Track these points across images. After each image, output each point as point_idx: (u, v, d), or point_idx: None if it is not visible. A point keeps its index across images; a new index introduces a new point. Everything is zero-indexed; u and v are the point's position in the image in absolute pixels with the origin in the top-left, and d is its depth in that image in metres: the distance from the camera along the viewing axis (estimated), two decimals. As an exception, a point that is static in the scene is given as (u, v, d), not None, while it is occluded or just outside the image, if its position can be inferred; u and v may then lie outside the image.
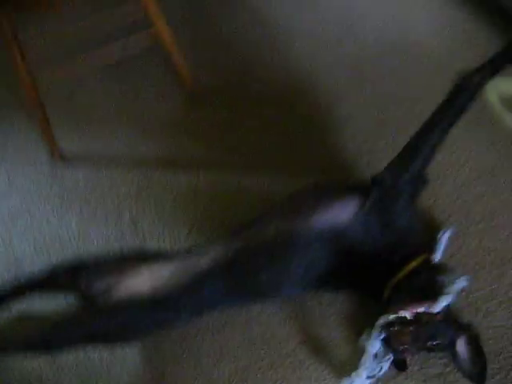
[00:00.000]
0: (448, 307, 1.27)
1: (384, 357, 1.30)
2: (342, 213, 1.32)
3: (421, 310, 1.23)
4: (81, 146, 1.74)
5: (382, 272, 1.34)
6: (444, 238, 1.46)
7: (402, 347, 1.25)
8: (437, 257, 1.43)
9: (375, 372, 1.30)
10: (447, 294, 1.25)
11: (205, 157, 1.70)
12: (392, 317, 1.24)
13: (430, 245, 1.44)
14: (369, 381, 1.29)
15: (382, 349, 1.30)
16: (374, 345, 1.28)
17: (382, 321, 1.27)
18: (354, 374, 1.28)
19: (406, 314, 1.23)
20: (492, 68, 1.26)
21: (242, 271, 1.34)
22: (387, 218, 1.32)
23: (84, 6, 1.88)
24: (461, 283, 1.28)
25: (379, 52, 1.89)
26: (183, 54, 1.72)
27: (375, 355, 1.30)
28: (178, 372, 1.36)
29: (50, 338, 1.31)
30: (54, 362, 1.37)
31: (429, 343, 1.25)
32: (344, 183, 1.43)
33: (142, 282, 1.35)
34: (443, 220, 1.51)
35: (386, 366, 1.30)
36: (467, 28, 1.92)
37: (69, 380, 1.36)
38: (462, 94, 1.27)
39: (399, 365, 1.31)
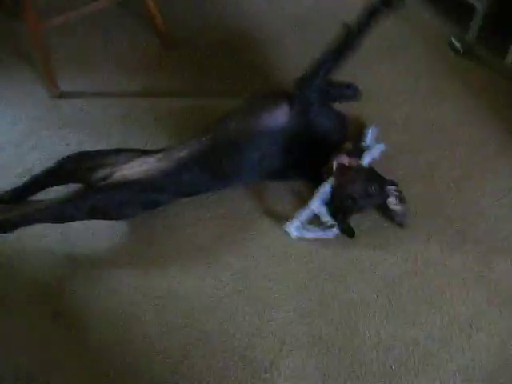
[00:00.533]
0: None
1: (330, 225, 1.71)
2: (278, 116, 1.71)
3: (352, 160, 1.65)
4: (74, 82, 2.10)
5: (317, 160, 1.75)
6: (370, 131, 1.90)
7: (349, 192, 1.65)
8: (366, 143, 1.87)
9: (320, 232, 1.70)
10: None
11: (177, 87, 2.09)
12: (334, 165, 1.65)
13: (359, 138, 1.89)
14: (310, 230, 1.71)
15: (326, 215, 1.72)
16: (315, 202, 1.69)
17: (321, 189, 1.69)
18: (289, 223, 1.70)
19: (343, 159, 1.66)
20: (362, 26, 1.68)
21: (212, 160, 1.70)
22: (309, 118, 1.72)
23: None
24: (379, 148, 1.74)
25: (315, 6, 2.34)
26: (159, 9, 2.12)
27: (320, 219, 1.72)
28: (164, 239, 1.73)
29: (62, 210, 1.65)
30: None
31: (368, 189, 1.66)
32: (278, 92, 1.79)
33: (133, 170, 1.70)
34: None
35: (330, 233, 1.71)
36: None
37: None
38: (346, 38, 1.69)
39: (348, 232, 1.71)
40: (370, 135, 1.90)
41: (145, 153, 1.78)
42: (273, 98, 1.76)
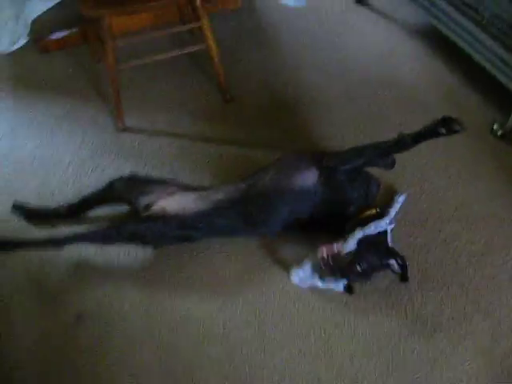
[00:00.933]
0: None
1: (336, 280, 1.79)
2: (308, 179, 1.84)
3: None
4: (138, 120, 2.34)
5: (343, 218, 1.86)
6: (400, 199, 2.00)
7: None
8: (393, 212, 1.96)
9: (331, 283, 1.79)
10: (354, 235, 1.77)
11: (229, 137, 2.29)
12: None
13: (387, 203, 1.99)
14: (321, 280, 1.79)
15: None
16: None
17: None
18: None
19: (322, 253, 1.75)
20: (417, 139, 1.72)
21: (244, 208, 1.84)
22: (334, 185, 1.83)
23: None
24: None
25: (368, 80, 2.52)
26: (223, 66, 2.36)
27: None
28: (190, 266, 1.87)
29: (106, 234, 1.84)
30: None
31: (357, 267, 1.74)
32: (312, 157, 1.90)
33: (174, 203, 1.88)
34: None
35: (341, 285, 1.78)
36: (441, 78, 2.55)
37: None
38: (396, 144, 1.76)
39: (348, 289, 1.78)
40: (398, 203, 1.99)
41: (187, 188, 1.95)
42: (306, 161, 1.89)
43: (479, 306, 1.77)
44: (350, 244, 1.75)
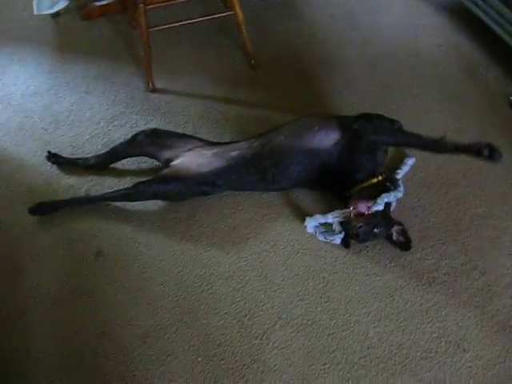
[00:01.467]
0: (386, 210, 1.85)
1: (339, 231, 1.89)
2: (325, 141, 1.91)
3: (368, 206, 1.80)
4: (167, 82, 2.49)
5: (348, 182, 1.92)
6: (409, 162, 2.07)
7: (357, 229, 1.80)
8: (401, 173, 2.03)
9: (329, 236, 1.89)
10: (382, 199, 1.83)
11: (250, 99, 2.40)
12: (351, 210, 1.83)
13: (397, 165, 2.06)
14: (322, 233, 1.90)
15: (338, 225, 1.89)
16: (333, 217, 1.88)
17: (343, 211, 1.88)
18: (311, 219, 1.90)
19: (361, 208, 1.81)
20: (457, 150, 1.74)
21: (258, 165, 1.95)
22: (353, 151, 1.89)
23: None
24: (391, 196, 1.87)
25: (391, 53, 2.58)
26: (249, 34, 2.47)
27: (332, 226, 1.90)
28: (202, 215, 2.00)
29: (131, 193, 1.99)
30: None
31: (375, 230, 1.82)
32: (327, 120, 1.97)
33: (192, 160, 2.00)
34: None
35: (338, 239, 1.89)
36: (463, 52, 2.58)
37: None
38: (430, 143, 1.79)
39: (345, 243, 1.89)
40: (407, 166, 2.06)
41: (205, 145, 2.07)
42: (326, 123, 1.95)
43: (477, 264, 1.83)
44: (379, 207, 1.82)
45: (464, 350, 1.65)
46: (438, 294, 1.77)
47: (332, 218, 1.88)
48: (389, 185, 1.92)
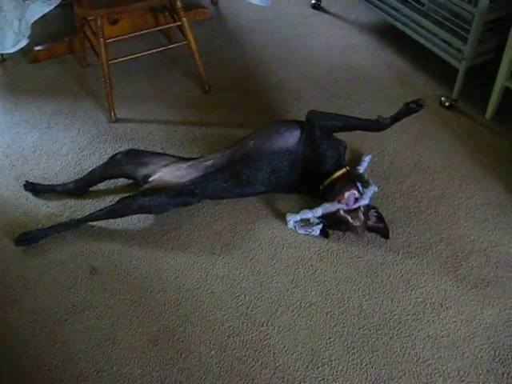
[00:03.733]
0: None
1: (317, 223, 2.07)
2: (290, 139, 2.11)
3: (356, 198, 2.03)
4: (128, 111, 2.60)
5: (318, 176, 2.12)
6: (367, 159, 2.30)
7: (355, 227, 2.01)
8: (361, 169, 2.26)
9: (308, 229, 2.06)
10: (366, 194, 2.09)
11: (210, 120, 2.56)
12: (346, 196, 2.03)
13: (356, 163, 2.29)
14: (302, 227, 2.07)
15: (317, 218, 2.08)
16: (315, 213, 2.07)
17: (326, 205, 2.07)
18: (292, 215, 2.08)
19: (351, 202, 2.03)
20: (394, 120, 2.08)
21: (231, 169, 2.10)
22: (313, 142, 2.09)
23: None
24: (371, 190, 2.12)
25: (330, 69, 2.86)
26: (202, 61, 2.65)
27: (309, 219, 2.08)
28: (188, 224, 2.11)
29: (117, 209, 2.06)
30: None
31: (368, 222, 2.03)
32: (294, 121, 2.19)
33: (170, 174, 2.12)
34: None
35: (317, 230, 2.07)
36: (392, 63, 2.91)
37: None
38: (371, 123, 2.11)
39: (324, 233, 2.07)
40: (365, 162, 2.29)
41: (180, 160, 2.21)
42: (290, 124, 2.17)
43: (442, 237, 2.06)
44: (365, 201, 2.05)
45: (447, 308, 1.85)
46: (415, 265, 1.97)
47: (315, 214, 2.06)
48: (353, 177, 2.14)
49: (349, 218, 2.01)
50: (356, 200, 2.03)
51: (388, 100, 2.65)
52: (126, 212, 2.08)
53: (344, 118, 2.16)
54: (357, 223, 2.01)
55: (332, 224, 2.06)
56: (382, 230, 2.06)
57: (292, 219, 2.07)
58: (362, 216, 2.01)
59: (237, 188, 2.14)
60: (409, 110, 2.05)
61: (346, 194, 2.02)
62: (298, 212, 2.10)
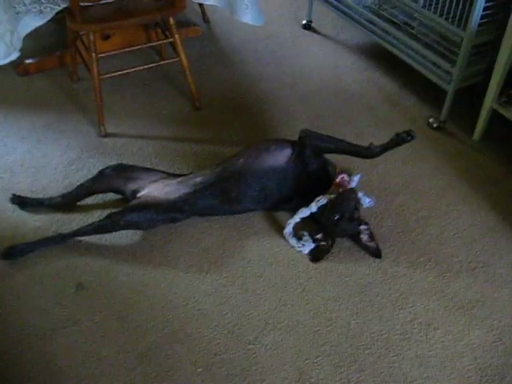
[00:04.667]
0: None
1: (310, 242, 2.07)
2: (280, 158, 2.12)
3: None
4: (118, 126, 2.60)
5: (310, 194, 2.12)
6: (356, 178, 2.31)
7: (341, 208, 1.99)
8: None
9: (299, 245, 2.06)
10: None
11: (200, 137, 2.57)
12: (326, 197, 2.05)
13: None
14: (294, 237, 2.07)
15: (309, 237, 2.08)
16: (317, 204, 2.07)
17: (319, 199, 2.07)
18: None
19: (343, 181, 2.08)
20: (385, 149, 2.09)
21: (221, 187, 2.10)
22: (303, 161, 2.10)
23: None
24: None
25: (320, 89, 2.88)
26: (193, 78, 2.66)
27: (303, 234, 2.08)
28: (175, 241, 2.10)
29: (104, 225, 2.04)
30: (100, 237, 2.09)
31: (355, 212, 2.02)
32: (285, 141, 2.21)
33: (159, 190, 2.12)
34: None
35: (307, 249, 2.06)
36: (381, 84, 2.94)
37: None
38: (362, 149, 2.13)
39: (313, 256, 2.05)
40: (354, 182, 2.29)
41: (169, 176, 2.20)
42: (280, 143, 2.18)
43: (430, 257, 2.07)
44: (353, 184, 2.16)
45: (434, 328, 1.85)
46: (403, 284, 1.97)
47: (316, 205, 2.06)
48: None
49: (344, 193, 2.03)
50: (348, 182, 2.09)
51: (377, 120, 2.67)
52: (114, 227, 2.06)
53: (337, 140, 2.16)
54: (345, 205, 2.00)
55: (327, 218, 2.03)
56: (373, 250, 2.06)
57: (292, 222, 2.08)
58: (350, 195, 2.03)
59: (226, 205, 2.14)
60: (400, 139, 2.06)
61: (338, 179, 2.08)
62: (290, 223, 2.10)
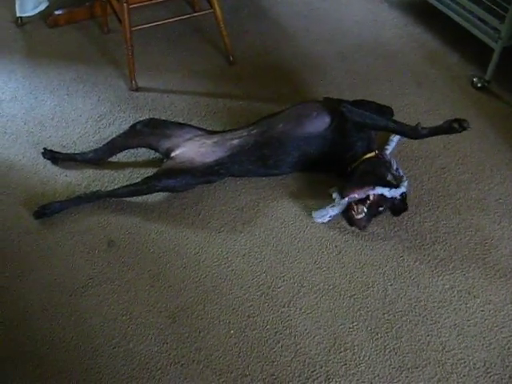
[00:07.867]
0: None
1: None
2: (320, 125, 2.03)
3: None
4: (150, 80, 2.54)
5: (345, 160, 2.04)
6: (395, 139, 2.22)
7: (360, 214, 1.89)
8: (389, 149, 2.18)
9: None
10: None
11: (233, 93, 2.49)
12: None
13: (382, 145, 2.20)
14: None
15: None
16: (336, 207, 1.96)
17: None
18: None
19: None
20: (432, 133, 1.93)
21: (258, 152, 2.03)
22: (343, 132, 2.01)
23: None
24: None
25: (358, 45, 2.76)
26: (227, 31, 2.56)
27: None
28: (210, 199, 2.06)
29: (139, 189, 2.00)
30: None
31: (380, 208, 1.94)
32: (321, 107, 2.08)
33: (193, 150, 2.05)
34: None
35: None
36: (423, 40, 2.80)
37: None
38: (407, 129, 1.97)
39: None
40: (393, 142, 2.21)
41: (203, 133, 2.13)
42: (321, 109, 2.07)
43: (471, 222, 1.99)
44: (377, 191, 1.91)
45: (474, 296, 1.79)
46: (442, 250, 1.91)
47: (338, 208, 1.96)
48: (382, 158, 2.06)
49: (353, 212, 1.90)
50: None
51: (417, 79, 2.55)
52: (150, 192, 2.02)
53: (381, 120, 2.03)
54: (359, 216, 1.89)
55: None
56: (395, 209, 1.98)
57: (320, 215, 1.98)
58: (364, 209, 1.89)
59: (262, 169, 2.08)
60: (450, 128, 1.88)
61: (347, 198, 1.91)
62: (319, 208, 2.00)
